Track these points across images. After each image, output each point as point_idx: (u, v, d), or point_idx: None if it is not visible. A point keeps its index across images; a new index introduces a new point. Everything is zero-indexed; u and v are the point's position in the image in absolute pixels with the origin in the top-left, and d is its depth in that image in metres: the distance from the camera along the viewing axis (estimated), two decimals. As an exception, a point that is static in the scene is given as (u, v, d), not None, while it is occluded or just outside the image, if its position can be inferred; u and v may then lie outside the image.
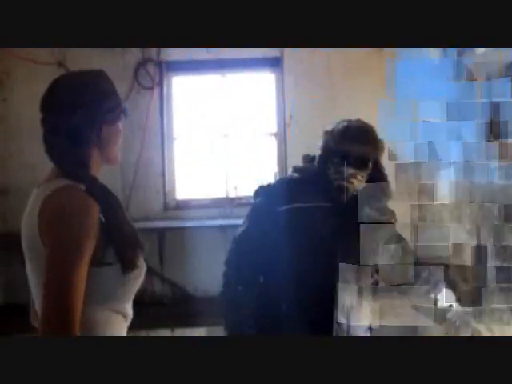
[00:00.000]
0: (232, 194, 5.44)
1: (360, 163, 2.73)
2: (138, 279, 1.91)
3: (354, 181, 2.74)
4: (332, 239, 2.75)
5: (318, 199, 2.78)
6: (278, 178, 5.04)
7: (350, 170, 2.72)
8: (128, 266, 1.82)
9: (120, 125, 2.01)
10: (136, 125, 5.17)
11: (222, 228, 4.98)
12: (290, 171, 3.02)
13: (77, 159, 1.85)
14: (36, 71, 4.80)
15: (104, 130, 1.92)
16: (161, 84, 5.37)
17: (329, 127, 2.85)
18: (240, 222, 4.35)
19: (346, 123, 2.81)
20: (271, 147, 5.53)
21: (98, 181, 1.88)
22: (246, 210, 4.33)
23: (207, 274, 5.02)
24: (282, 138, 5.35)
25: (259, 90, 5.61)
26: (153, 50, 5.29)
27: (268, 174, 5.40)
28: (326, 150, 2.81)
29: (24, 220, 1.82)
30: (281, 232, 2.78)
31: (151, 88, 5.29)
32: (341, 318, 2.71)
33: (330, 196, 2.78)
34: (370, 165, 2.77)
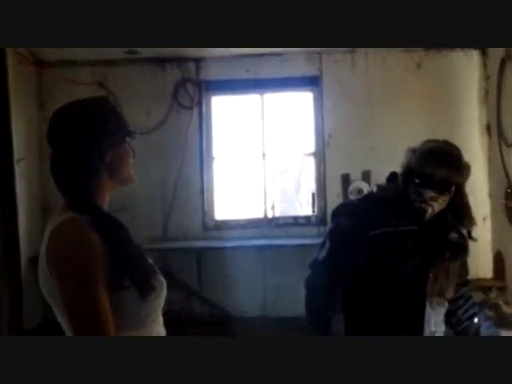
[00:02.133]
0: (270, 215, 5.43)
1: (442, 187, 2.60)
2: (158, 299, 1.92)
3: (434, 204, 2.60)
4: (421, 263, 2.65)
5: (405, 222, 2.66)
6: (315, 198, 5.02)
7: (431, 194, 2.58)
8: (144, 289, 1.84)
9: (127, 146, 2.00)
10: (176, 144, 5.21)
11: (260, 248, 4.97)
12: (374, 189, 2.93)
13: (81, 190, 1.88)
14: (77, 92, 4.88)
15: (109, 155, 1.92)
16: (200, 104, 5.40)
17: (413, 145, 2.75)
18: (277, 242, 4.35)
19: (432, 144, 2.67)
20: (310, 167, 5.51)
21: (102, 211, 1.90)
22: (283, 230, 4.34)
23: (245, 294, 5.01)
24: (321, 157, 5.33)
25: (298, 109, 5.60)
26: (192, 70, 5.33)
27: (307, 194, 5.39)
28: (408, 170, 2.69)
29: (40, 257, 1.85)
30: (369, 256, 2.70)
31: (190, 108, 5.33)
32: None
33: (412, 218, 2.66)
34: (453, 189, 2.63)
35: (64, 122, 1.92)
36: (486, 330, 2.86)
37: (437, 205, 2.61)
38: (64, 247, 1.77)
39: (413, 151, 2.67)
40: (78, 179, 1.88)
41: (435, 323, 2.70)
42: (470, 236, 2.80)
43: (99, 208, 1.90)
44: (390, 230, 2.64)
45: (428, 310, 2.67)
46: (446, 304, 2.78)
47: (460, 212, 2.69)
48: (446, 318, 2.95)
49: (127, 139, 2.00)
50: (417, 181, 2.58)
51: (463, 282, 2.90)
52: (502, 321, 4.27)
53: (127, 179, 2.01)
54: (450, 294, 2.78)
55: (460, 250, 2.77)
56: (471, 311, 2.89)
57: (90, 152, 1.88)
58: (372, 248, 2.65)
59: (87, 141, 1.88)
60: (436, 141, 2.72)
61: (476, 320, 2.86)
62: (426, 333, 2.66)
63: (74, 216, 1.83)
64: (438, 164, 2.59)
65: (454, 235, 2.74)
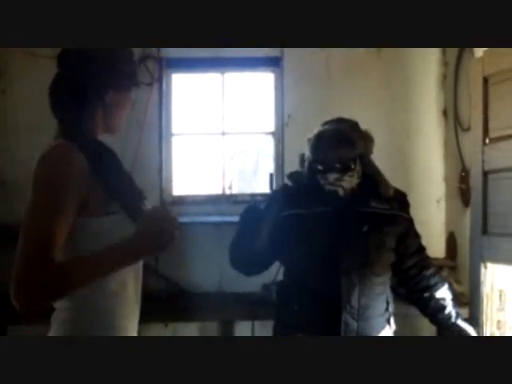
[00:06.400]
0: (228, 192, 5.44)
1: (340, 167, 2.72)
2: None
3: (343, 183, 2.73)
4: (337, 242, 2.71)
5: (317, 205, 2.76)
6: (274, 178, 5.05)
7: (334, 176, 2.72)
8: (134, 213, 1.86)
9: (129, 94, 2.08)
10: (134, 121, 5.16)
11: (217, 225, 4.98)
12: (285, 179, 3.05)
13: (74, 118, 1.88)
14: (35, 64, 4.80)
15: (110, 95, 1.95)
16: (160, 80, 5.36)
17: (309, 135, 2.87)
18: (235, 218, 4.37)
19: (317, 131, 2.83)
20: (268, 146, 5.52)
21: (92, 137, 1.93)
22: (241, 207, 4.34)
23: (201, 269, 5.02)
24: (280, 137, 5.35)
25: (258, 89, 5.61)
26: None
27: (264, 175, 5.40)
28: (308, 158, 2.83)
29: None
30: (282, 237, 2.79)
31: (150, 84, 5.27)
32: (349, 319, 2.69)
33: (326, 200, 2.76)
34: (354, 163, 2.74)
35: (80, 50, 1.91)
36: (434, 305, 2.90)
37: (346, 183, 2.72)
38: (45, 164, 1.77)
39: (308, 140, 2.87)
40: (73, 107, 1.88)
41: (360, 298, 2.70)
42: (402, 201, 2.90)
43: (88, 135, 1.91)
44: (302, 212, 2.75)
45: (346, 284, 2.68)
46: (376, 279, 2.79)
47: (373, 180, 2.80)
48: (399, 285, 2.98)
49: (132, 88, 2.07)
50: (318, 167, 2.70)
51: (411, 252, 2.93)
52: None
53: (116, 128, 2.08)
54: (379, 268, 2.80)
55: (383, 219, 2.80)
56: (423, 284, 2.91)
57: (93, 84, 1.91)
58: (283, 228, 2.79)
59: (95, 73, 1.90)
60: (325, 123, 2.84)
61: (426, 295, 2.89)
62: (347, 309, 2.68)
63: (63, 141, 1.84)
64: (328, 148, 2.75)
65: (373, 205, 2.79)
